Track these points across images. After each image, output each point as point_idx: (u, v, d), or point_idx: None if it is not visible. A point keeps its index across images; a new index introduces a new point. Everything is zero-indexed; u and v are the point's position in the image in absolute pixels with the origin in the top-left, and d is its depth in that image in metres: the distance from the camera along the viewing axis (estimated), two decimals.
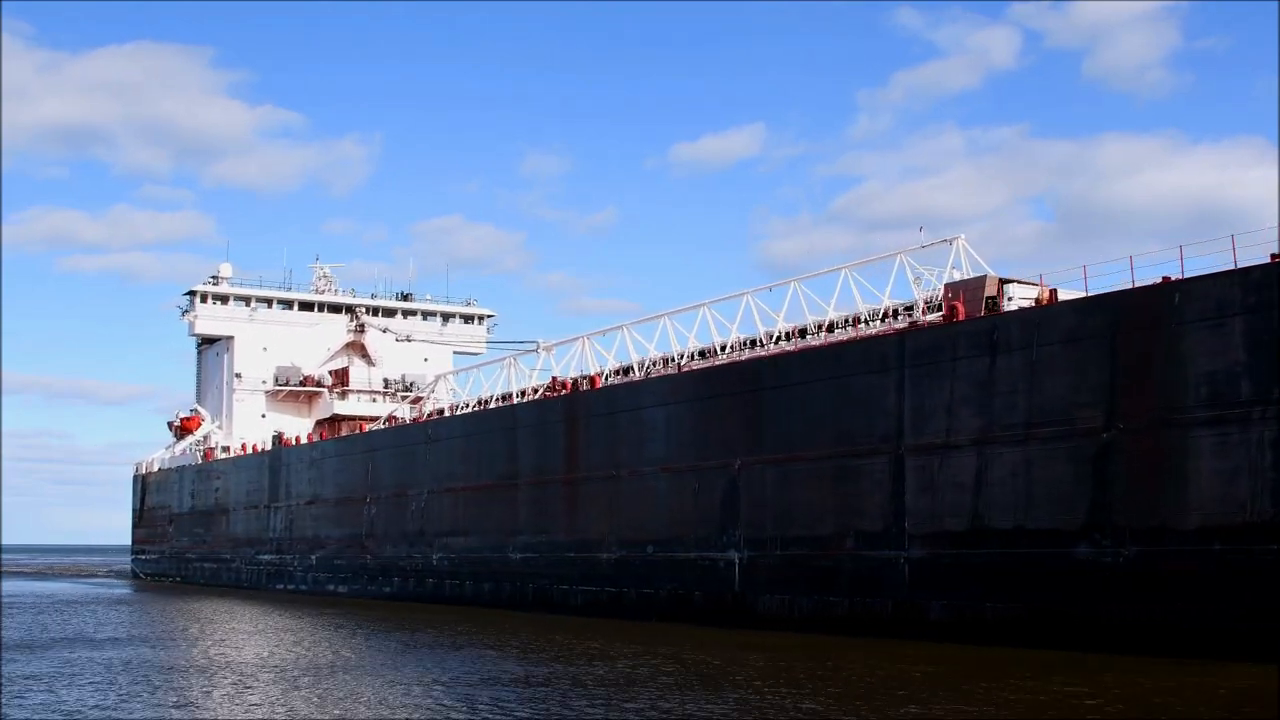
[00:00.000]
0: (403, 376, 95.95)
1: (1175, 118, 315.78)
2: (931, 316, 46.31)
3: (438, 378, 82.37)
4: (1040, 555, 36.42)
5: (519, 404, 60.29)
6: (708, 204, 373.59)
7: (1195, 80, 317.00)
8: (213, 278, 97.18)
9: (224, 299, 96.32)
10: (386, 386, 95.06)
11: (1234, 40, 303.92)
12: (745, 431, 46.24)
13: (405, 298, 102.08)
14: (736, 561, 46.03)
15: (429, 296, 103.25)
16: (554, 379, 58.71)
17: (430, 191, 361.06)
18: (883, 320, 49.59)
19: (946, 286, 45.51)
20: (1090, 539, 35.37)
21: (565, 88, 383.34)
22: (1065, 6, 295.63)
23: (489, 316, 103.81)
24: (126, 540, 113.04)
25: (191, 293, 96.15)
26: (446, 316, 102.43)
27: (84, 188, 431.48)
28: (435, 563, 63.42)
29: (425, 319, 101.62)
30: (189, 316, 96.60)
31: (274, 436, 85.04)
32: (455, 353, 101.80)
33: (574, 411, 55.02)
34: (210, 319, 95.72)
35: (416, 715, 25.71)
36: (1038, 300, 39.51)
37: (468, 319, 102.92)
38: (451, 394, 75.61)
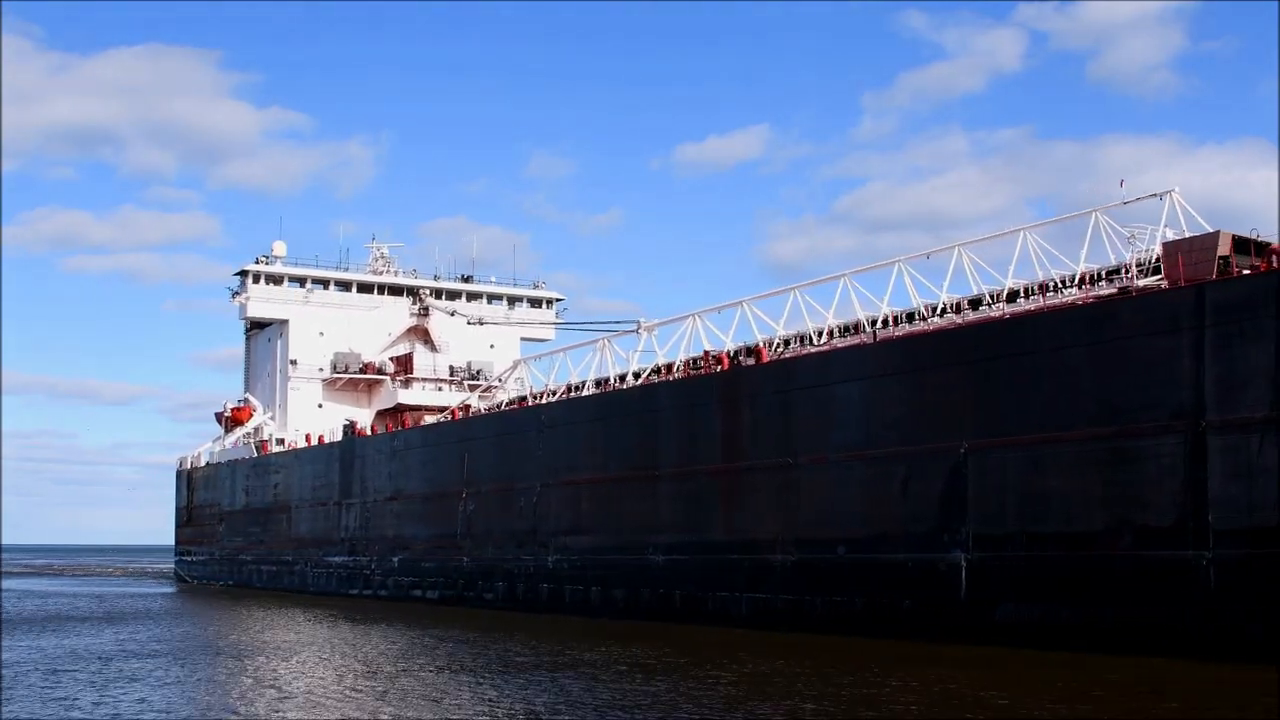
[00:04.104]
0: (468, 364, 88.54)
1: (1180, 120, 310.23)
2: (1147, 281, 39.15)
3: (517, 363, 74.96)
4: None
5: (659, 383, 52.60)
6: (712, 205, 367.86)
7: (1200, 82, 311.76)
8: (265, 257, 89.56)
9: (278, 279, 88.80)
10: (452, 374, 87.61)
11: (1240, 42, 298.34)
12: (974, 408, 38.71)
13: (466, 280, 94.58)
14: (963, 564, 38.51)
15: (493, 279, 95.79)
16: (706, 353, 51.09)
17: (435, 192, 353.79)
18: (1079, 286, 42.44)
19: (1165, 246, 38.43)
20: None
21: (571, 89, 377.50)
22: (1071, 7, 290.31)
23: (558, 300, 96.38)
24: (129, 540, 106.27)
25: (243, 272, 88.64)
26: (513, 300, 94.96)
27: (91, 189, 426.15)
28: (551, 565, 55.81)
29: (490, 302, 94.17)
30: (240, 298, 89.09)
31: (345, 426, 77.42)
32: (522, 339, 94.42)
33: (735, 390, 47.42)
34: (263, 301, 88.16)
35: None
36: None
37: (535, 302, 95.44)
38: (527, 381, 67.83)
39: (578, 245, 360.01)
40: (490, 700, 28.26)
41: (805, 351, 46.88)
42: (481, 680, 31.84)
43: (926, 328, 43.41)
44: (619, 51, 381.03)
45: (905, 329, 44.60)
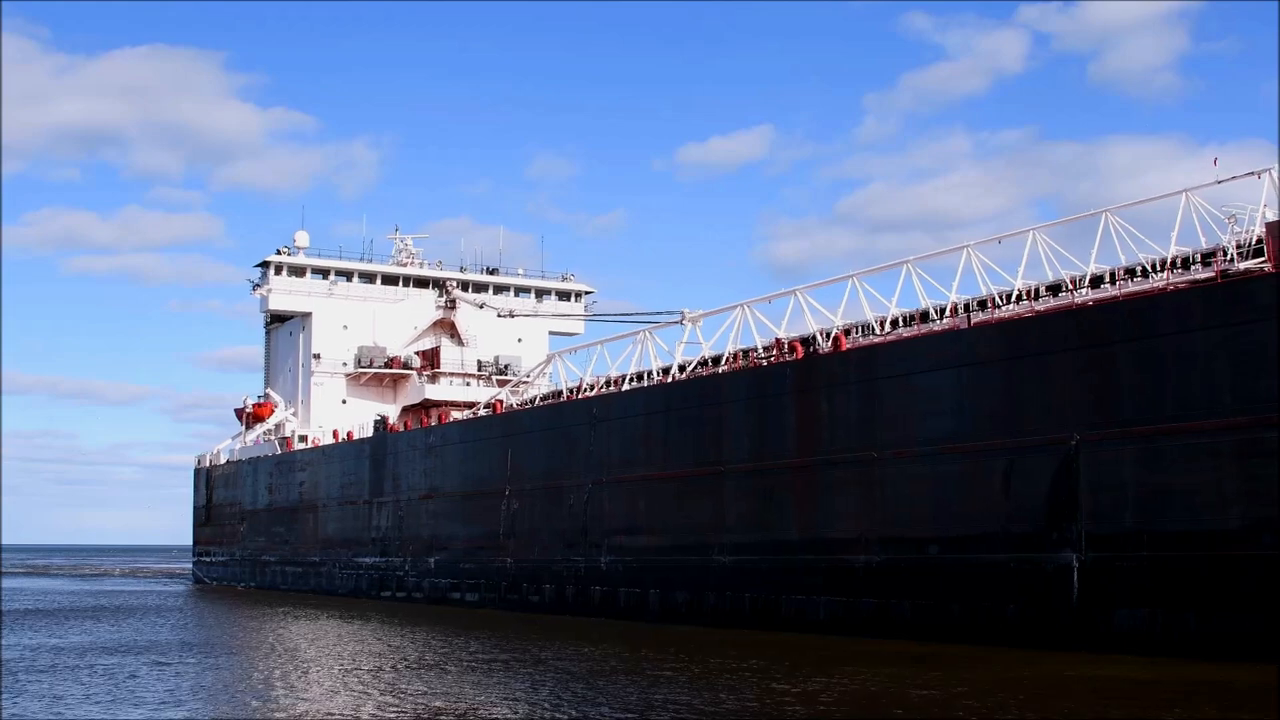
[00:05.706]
0: (496, 358, 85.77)
1: (1182, 121, 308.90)
2: (1248, 264, 36.39)
3: (551, 356, 71.97)
4: None
5: (724, 373, 49.77)
6: (715, 206, 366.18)
7: (1202, 84, 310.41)
8: (286, 248, 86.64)
9: (300, 271, 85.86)
10: (480, 369, 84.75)
11: (1242, 43, 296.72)
12: (1087, 397, 35.89)
13: (492, 272, 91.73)
14: (1074, 566, 35.68)
15: (521, 270, 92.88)
16: (777, 341, 48.27)
17: (438, 193, 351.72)
18: (1171, 270, 39.72)
19: (1269, 226, 35.68)
20: None
21: (573, 90, 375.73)
22: (1073, 8, 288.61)
23: (587, 293, 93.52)
24: (131, 541, 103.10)
25: (264, 264, 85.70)
26: (541, 293, 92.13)
27: (95, 189, 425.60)
28: (604, 567, 52.96)
29: (518, 295, 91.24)
30: (261, 290, 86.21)
31: (376, 421, 74.55)
32: (550, 333, 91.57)
33: (810, 380, 44.56)
34: (286, 293, 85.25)
35: None
36: None
37: (564, 295, 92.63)
38: (563, 375, 64.85)
39: (580, 246, 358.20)
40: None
41: (889, 337, 44.09)
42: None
43: (1030, 309, 40.55)
44: (621, 52, 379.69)
45: (979, 316, 41.75)
